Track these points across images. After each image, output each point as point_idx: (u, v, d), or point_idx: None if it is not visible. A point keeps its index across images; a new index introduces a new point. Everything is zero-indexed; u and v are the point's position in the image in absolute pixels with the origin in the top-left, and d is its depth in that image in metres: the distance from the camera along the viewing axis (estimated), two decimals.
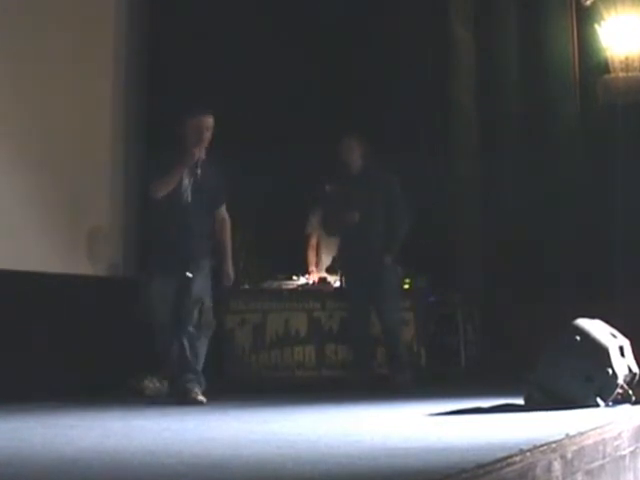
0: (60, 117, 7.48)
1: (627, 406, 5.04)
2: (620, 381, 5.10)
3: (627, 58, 8.75)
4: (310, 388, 7.39)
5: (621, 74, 8.76)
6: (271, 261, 8.48)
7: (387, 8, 8.92)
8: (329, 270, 8.24)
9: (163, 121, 7.18)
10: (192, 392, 6.23)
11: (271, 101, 8.54)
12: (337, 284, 7.94)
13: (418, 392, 6.67)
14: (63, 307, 7.21)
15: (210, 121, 6.49)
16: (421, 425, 4.63)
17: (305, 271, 8.25)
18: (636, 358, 5.35)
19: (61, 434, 4.55)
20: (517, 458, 3.12)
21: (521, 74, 9.19)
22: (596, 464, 3.68)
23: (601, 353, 5.10)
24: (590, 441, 3.69)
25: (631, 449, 4.10)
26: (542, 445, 3.34)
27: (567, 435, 3.60)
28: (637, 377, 5.32)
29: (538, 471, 3.16)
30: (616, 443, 3.93)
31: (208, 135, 6.47)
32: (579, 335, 5.16)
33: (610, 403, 5.07)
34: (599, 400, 5.03)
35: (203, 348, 6.39)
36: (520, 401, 5.25)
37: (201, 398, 6.21)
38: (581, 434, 3.71)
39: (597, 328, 5.25)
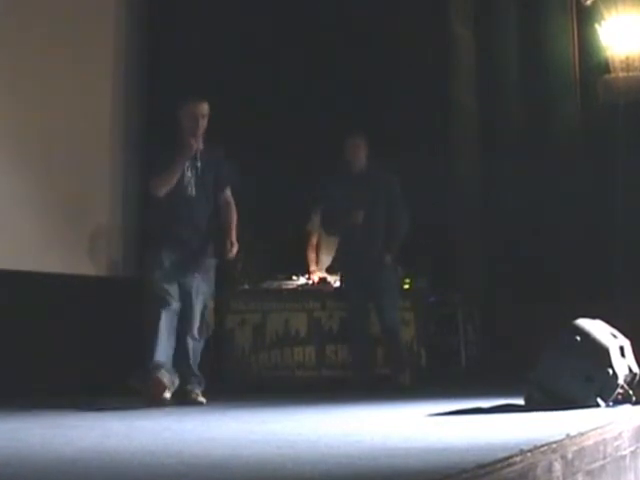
0: (60, 117, 7.48)
1: (627, 406, 5.03)
2: (620, 381, 5.09)
3: (627, 58, 8.77)
4: (310, 388, 7.39)
5: (621, 74, 8.77)
6: (271, 261, 8.48)
7: (387, 8, 8.92)
8: (329, 270, 8.24)
9: (163, 121, 7.17)
10: (192, 393, 6.21)
11: (271, 101, 8.54)
12: (337, 284, 7.94)
13: (418, 392, 6.66)
14: (63, 307, 7.21)
15: (205, 107, 6.26)
16: (421, 425, 4.63)
17: (305, 271, 8.25)
18: (636, 358, 5.34)
19: (60, 434, 4.53)
20: (517, 458, 3.11)
21: (521, 74, 9.19)
22: (597, 464, 3.68)
23: (601, 353, 5.10)
24: (591, 441, 3.68)
25: (632, 449, 4.10)
26: (543, 445, 3.33)
27: (568, 435, 3.60)
28: (637, 377, 5.31)
29: (539, 471, 3.16)
30: (616, 443, 3.92)
31: (204, 123, 6.25)
32: (579, 335, 5.16)
33: (610, 403, 5.06)
34: (599, 400, 5.02)
35: (199, 348, 6.34)
36: (520, 401, 5.24)
37: (201, 399, 6.20)
38: (582, 434, 3.70)
39: (597, 328, 5.24)
